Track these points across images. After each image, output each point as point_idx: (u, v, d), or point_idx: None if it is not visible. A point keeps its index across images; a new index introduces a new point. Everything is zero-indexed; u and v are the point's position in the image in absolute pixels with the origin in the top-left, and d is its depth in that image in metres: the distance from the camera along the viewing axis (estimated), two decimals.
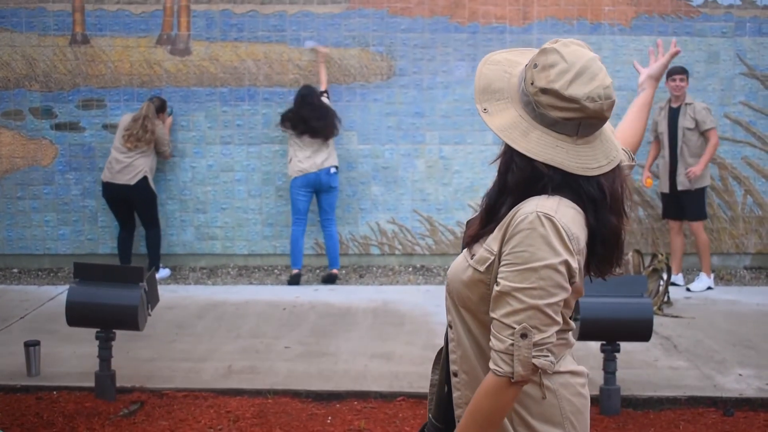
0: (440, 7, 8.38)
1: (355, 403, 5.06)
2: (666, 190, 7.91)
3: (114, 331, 4.99)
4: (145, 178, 7.91)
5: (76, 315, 4.92)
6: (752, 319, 6.82)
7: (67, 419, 4.74)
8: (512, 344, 1.86)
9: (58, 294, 7.37)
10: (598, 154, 1.96)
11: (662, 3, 8.38)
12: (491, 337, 1.91)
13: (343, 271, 8.41)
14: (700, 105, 7.74)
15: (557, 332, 1.92)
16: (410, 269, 8.54)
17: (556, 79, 1.89)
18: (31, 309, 6.99)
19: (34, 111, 8.43)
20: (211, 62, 8.41)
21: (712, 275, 7.97)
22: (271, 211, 8.46)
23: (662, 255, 7.16)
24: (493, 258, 1.94)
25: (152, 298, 5.15)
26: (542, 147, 1.92)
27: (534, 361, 1.87)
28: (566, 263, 1.89)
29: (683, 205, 7.81)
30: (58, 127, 8.45)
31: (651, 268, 7.00)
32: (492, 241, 1.96)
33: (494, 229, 1.98)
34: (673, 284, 7.72)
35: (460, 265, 2.02)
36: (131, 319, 4.85)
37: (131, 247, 8.17)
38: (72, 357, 5.67)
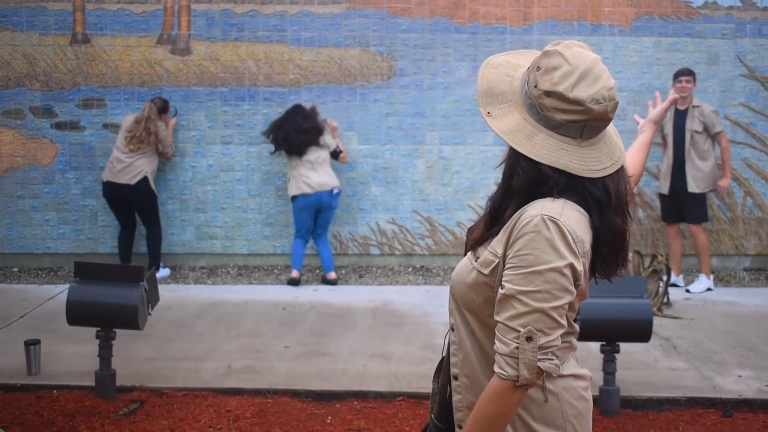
0: (440, 7, 8.38)
1: (355, 402, 5.07)
2: (665, 191, 7.90)
3: (114, 330, 4.99)
4: (145, 179, 7.91)
5: (77, 314, 4.92)
6: (752, 321, 6.83)
7: (67, 418, 4.75)
8: (517, 347, 1.86)
9: (58, 293, 7.38)
10: (602, 155, 1.97)
11: (662, 4, 8.39)
12: (496, 341, 1.91)
13: (343, 271, 8.41)
14: (708, 108, 7.72)
15: (561, 335, 1.92)
16: (410, 269, 8.54)
17: (560, 81, 1.90)
18: (31, 308, 6.99)
19: (35, 110, 8.44)
20: (211, 62, 8.41)
21: (712, 276, 7.97)
22: (271, 210, 8.46)
23: (662, 256, 7.17)
24: (497, 261, 1.94)
25: (152, 298, 5.15)
26: (548, 150, 1.92)
27: (539, 364, 1.86)
28: (571, 266, 1.89)
29: (685, 207, 7.80)
30: (58, 126, 8.45)
31: (651, 269, 7.01)
32: (496, 244, 1.96)
33: (498, 232, 1.97)
34: (673, 285, 7.73)
35: (465, 267, 2.02)
36: (131, 319, 4.85)
37: (132, 246, 8.17)
38: (72, 356, 5.67)
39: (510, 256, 1.91)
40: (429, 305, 7.16)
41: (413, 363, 5.64)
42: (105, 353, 4.99)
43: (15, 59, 8.39)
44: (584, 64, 1.91)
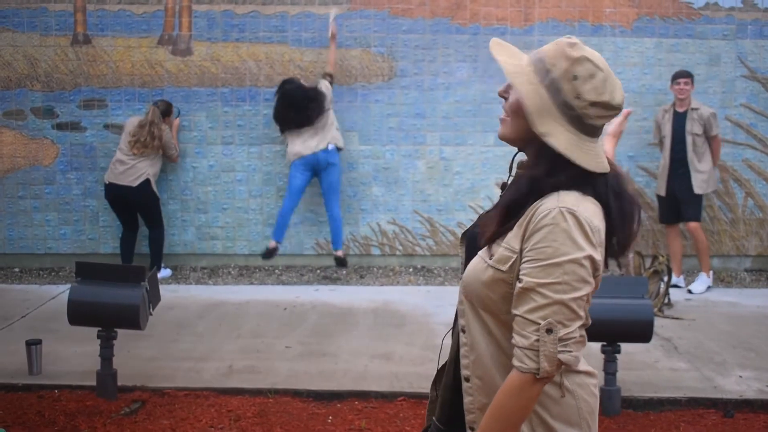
0: (441, 8, 8.39)
1: (356, 402, 5.07)
2: (663, 193, 7.92)
3: (115, 330, 4.99)
4: (147, 181, 7.91)
5: (78, 314, 4.92)
6: (752, 321, 6.83)
7: (68, 418, 4.75)
8: (537, 340, 1.87)
9: (59, 293, 7.39)
10: (599, 149, 2.02)
11: (663, 5, 8.39)
12: (514, 335, 1.92)
13: (344, 272, 8.41)
14: (707, 110, 7.73)
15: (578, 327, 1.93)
16: (411, 270, 8.55)
17: (602, 89, 1.94)
18: (32, 308, 7.00)
19: (36, 111, 8.44)
20: (212, 63, 8.42)
21: (711, 273, 7.99)
22: (272, 211, 8.46)
23: (663, 257, 7.17)
24: (515, 256, 1.94)
25: (154, 298, 5.16)
26: (593, 157, 1.97)
27: (559, 356, 1.87)
28: (590, 258, 1.90)
29: (683, 206, 7.82)
30: (59, 126, 8.46)
31: (651, 270, 7.01)
32: (512, 240, 1.96)
33: (512, 227, 1.98)
34: (674, 286, 7.74)
35: (478, 266, 2.01)
36: (133, 319, 4.85)
37: (134, 247, 8.17)
38: (73, 356, 5.68)
39: (527, 249, 1.92)
40: (430, 305, 7.16)
41: (414, 363, 5.64)
42: (106, 353, 4.99)
43: (16, 60, 8.39)
44: (606, 65, 1.98)
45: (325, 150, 7.91)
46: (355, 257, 8.59)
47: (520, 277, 1.92)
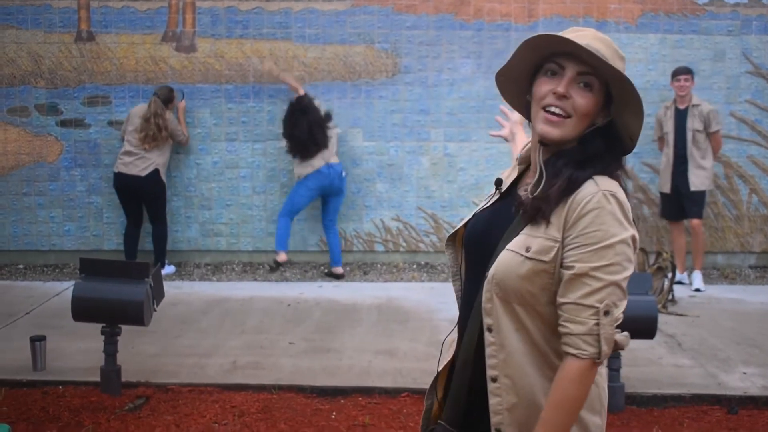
0: (445, 4, 8.38)
1: (360, 398, 5.07)
2: (667, 190, 7.91)
3: (119, 326, 5.00)
4: (156, 171, 7.94)
5: (82, 310, 4.93)
6: (757, 318, 6.83)
7: (72, 413, 4.76)
8: (597, 323, 1.89)
9: (63, 290, 7.40)
10: None
11: (668, 1, 8.37)
12: (566, 323, 1.92)
13: (348, 268, 8.42)
14: (708, 107, 7.74)
15: None
16: (414, 266, 8.54)
17: None
18: (36, 304, 7.01)
19: (40, 108, 8.45)
20: (216, 59, 8.42)
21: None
22: (275, 207, 8.46)
23: (667, 253, 7.17)
24: (557, 246, 1.94)
25: (158, 294, 5.16)
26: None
27: (616, 337, 1.91)
28: (633, 237, 1.95)
29: (686, 203, 7.81)
30: (63, 123, 8.47)
31: (656, 266, 7.00)
32: (552, 230, 1.95)
33: (548, 219, 1.97)
34: (678, 283, 7.73)
35: (513, 260, 1.97)
36: (137, 315, 4.86)
37: (137, 243, 8.18)
38: (77, 352, 5.69)
39: (573, 236, 1.92)
40: (434, 302, 7.16)
41: (418, 359, 5.64)
42: (110, 349, 5.00)
43: (20, 57, 8.40)
44: None
45: (340, 176, 8.02)
46: (359, 254, 8.60)
47: (570, 264, 1.92)
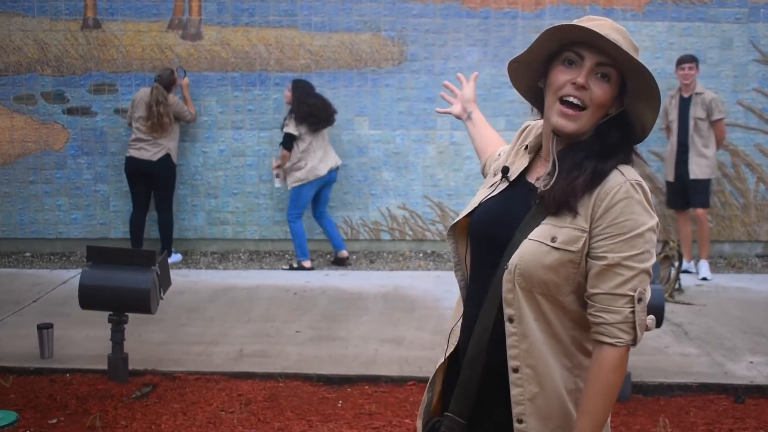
0: None
1: (366, 387, 5.08)
2: (671, 178, 7.90)
3: (126, 314, 5.01)
4: (167, 156, 7.97)
5: (89, 298, 4.94)
6: (763, 307, 6.81)
7: (80, 401, 4.77)
8: (632, 311, 1.92)
9: (70, 278, 7.41)
10: None
11: None
12: (598, 313, 1.94)
13: (354, 257, 8.42)
14: (711, 95, 7.71)
15: None
16: (421, 255, 8.54)
17: None
18: (43, 292, 7.03)
19: (46, 96, 8.46)
20: (222, 47, 8.41)
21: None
22: (282, 196, 8.46)
23: (674, 242, 7.14)
24: (585, 236, 1.95)
25: (164, 282, 5.17)
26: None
27: (647, 322, 1.96)
28: (657, 224, 1.98)
29: (690, 192, 7.80)
30: (70, 111, 8.47)
31: (662, 255, 6.98)
32: (579, 220, 1.96)
33: (574, 210, 1.97)
34: (685, 271, 7.72)
35: (538, 250, 1.96)
36: (143, 303, 4.87)
37: (143, 230, 8.19)
38: (84, 340, 5.70)
39: (603, 226, 1.94)
40: (440, 290, 7.16)
41: (424, 347, 5.65)
42: (117, 337, 5.01)
43: (26, 45, 8.40)
44: None
45: (336, 170, 8.03)
46: (365, 242, 8.60)
47: (601, 254, 1.93)
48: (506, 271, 1.99)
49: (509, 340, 2.01)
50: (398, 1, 8.36)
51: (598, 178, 1.97)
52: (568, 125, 1.99)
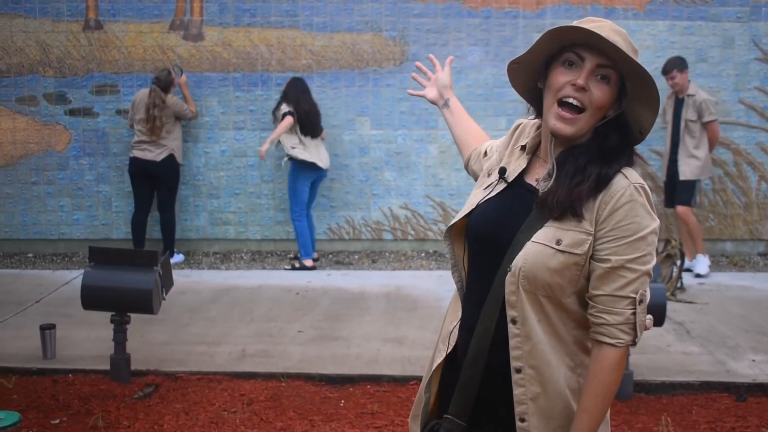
0: None
1: (368, 386, 5.09)
2: (665, 178, 7.95)
3: (129, 314, 5.02)
4: (171, 156, 7.98)
5: (91, 298, 4.95)
6: (765, 305, 6.81)
7: (82, 401, 4.78)
8: (633, 312, 1.95)
9: (72, 278, 7.42)
10: None
11: None
12: (600, 314, 1.96)
13: (356, 257, 8.43)
14: (702, 96, 7.67)
15: None
16: (423, 254, 8.55)
17: None
18: (46, 293, 7.03)
19: (48, 97, 8.47)
20: (224, 47, 8.41)
21: (707, 256, 7.99)
22: (284, 196, 8.47)
23: (676, 241, 7.15)
24: (590, 239, 1.96)
25: (167, 283, 5.17)
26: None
27: (647, 322, 1.98)
28: (659, 226, 1.99)
29: (676, 191, 7.82)
30: (72, 112, 8.48)
31: (664, 254, 6.98)
32: (584, 223, 1.97)
33: (579, 215, 1.97)
34: (687, 270, 7.71)
35: (542, 253, 1.97)
36: (146, 303, 4.87)
37: (145, 230, 8.20)
38: (87, 340, 5.71)
39: (607, 229, 1.95)
40: (442, 290, 7.17)
41: (426, 347, 5.64)
42: (119, 337, 5.02)
43: (28, 46, 8.41)
44: None
45: (325, 169, 8.08)
46: (367, 242, 8.61)
47: (605, 257, 1.95)
48: (509, 273, 2.00)
49: (512, 342, 2.02)
50: (399, 1, 8.37)
51: (603, 183, 1.98)
52: (565, 128, 1.99)
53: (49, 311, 6.44)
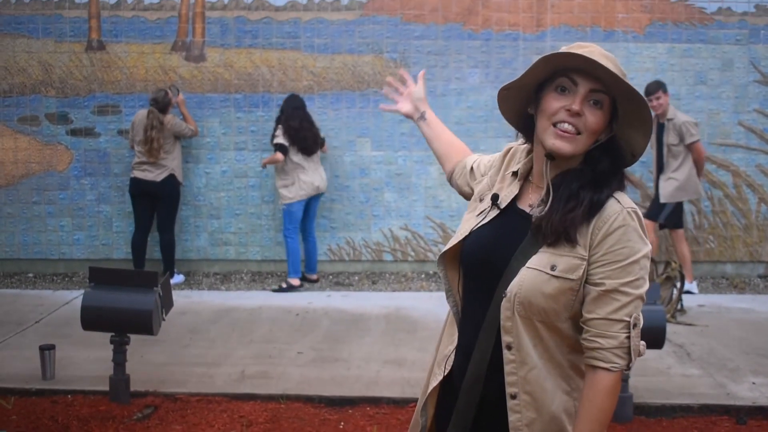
0: (454, 14, 8.40)
1: (368, 408, 5.08)
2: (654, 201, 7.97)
3: (128, 335, 5.01)
4: (171, 175, 8.00)
5: (91, 319, 4.94)
6: (766, 328, 6.80)
7: (81, 423, 4.77)
8: (627, 336, 1.96)
9: (72, 298, 7.42)
10: None
11: (676, 10, 8.38)
12: (594, 338, 1.96)
13: (356, 278, 8.43)
14: (682, 119, 7.65)
15: None
16: (423, 276, 8.55)
17: None
18: (46, 313, 7.03)
19: (50, 116, 8.50)
20: (225, 69, 8.45)
21: (695, 282, 8.00)
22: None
23: (675, 263, 7.14)
24: (584, 264, 1.98)
25: (166, 303, 5.17)
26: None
27: (640, 347, 1.99)
28: (651, 250, 2.01)
29: (664, 214, 7.84)
30: (73, 132, 8.51)
31: (664, 276, 6.98)
32: (578, 248, 1.98)
33: (573, 241, 1.98)
34: (687, 292, 7.71)
35: (538, 279, 1.98)
36: (145, 324, 4.87)
37: (145, 250, 8.20)
38: (86, 361, 5.70)
39: (600, 253, 1.96)
40: (442, 312, 7.11)
41: (426, 369, 5.59)
42: (119, 358, 5.01)
43: (31, 66, 8.45)
44: None
45: (321, 192, 8.10)
46: (367, 263, 8.61)
47: (599, 281, 1.96)
48: (505, 299, 2.00)
49: (507, 368, 2.02)
50: (400, 23, 8.42)
51: (595, 208, 1.99)
52: (565, 146, 1.99)
53: (49, 331, 6.43)
